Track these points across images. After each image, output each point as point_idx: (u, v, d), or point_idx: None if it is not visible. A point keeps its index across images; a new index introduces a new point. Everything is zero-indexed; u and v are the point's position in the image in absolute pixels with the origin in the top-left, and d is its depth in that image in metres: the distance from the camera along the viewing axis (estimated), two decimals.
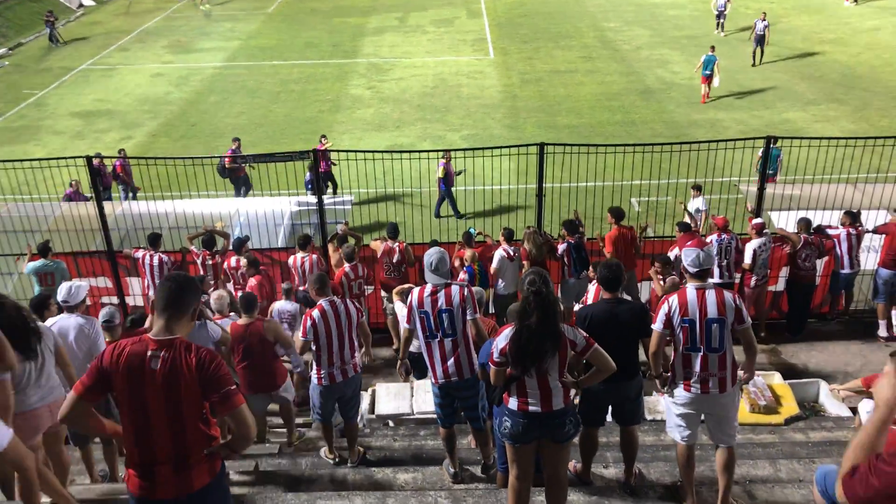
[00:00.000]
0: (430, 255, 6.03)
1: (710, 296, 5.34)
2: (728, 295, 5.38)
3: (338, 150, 11.04)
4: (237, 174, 16.70)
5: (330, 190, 16.52)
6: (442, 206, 16.39)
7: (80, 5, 39.61)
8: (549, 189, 14.53)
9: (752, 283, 10.77)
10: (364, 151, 11.13)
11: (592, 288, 8.47)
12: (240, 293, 8.65)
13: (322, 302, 6.82)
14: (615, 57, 27.89)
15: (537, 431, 4.83)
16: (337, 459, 7.25)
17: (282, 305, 9.91)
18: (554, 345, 4.68)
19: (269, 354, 7.67)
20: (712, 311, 5.32)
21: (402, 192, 15.12)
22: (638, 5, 35.32)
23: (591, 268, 9.94)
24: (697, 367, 5.38)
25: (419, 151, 11.54)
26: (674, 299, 5.42)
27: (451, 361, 6.09)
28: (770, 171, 18.34)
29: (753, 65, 26.00)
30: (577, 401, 5.57)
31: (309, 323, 6.69)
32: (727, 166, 12.08)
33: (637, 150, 11.40)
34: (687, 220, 11.85)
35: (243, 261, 10.55)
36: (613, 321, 5.66)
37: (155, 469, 3.98)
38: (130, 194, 16.90)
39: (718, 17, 30.07)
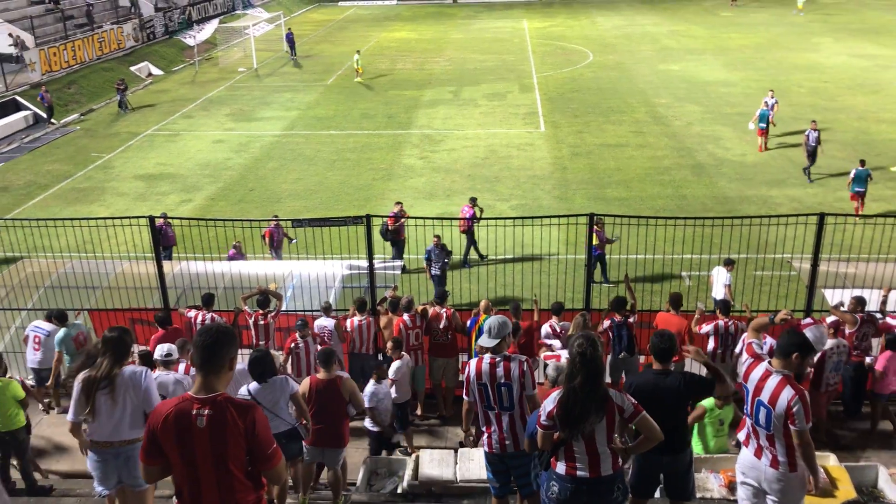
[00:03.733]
0: (491, 319, 6.07)
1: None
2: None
3: (387, 216, 11.29)
4: (399, 236, 16.86)
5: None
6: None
7: (150, 74, 41.48)
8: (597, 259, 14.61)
9: (823, 388, 10.21)
10: (411, 217, 11.36)
11: None
12: (319, 348, 9.24)
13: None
14: (666, 132, 28.07)
15: (585, 497, 4.80)
16: None
17: (321, 322, 10.87)
18: (599, 408, 4.68)
19: (341, 412, 7.84)
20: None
21: (455, 260, 15.31)
22: (689, 82, 35.64)
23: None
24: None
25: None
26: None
27: (507, 433, 6.09)
28: (860, 189, 19.57)
29: (811, 181, 22.78)
30: (628, 468, 5.54)
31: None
32: (779, 243, 11.98)
33: (688, 223, 11.39)
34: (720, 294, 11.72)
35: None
36: (658, 392, 5.63)
37: None
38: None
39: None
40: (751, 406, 5.30)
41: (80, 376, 5.97)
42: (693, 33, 49.21)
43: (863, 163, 19.79)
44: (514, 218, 15.46)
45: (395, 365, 10.24)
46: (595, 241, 15.59)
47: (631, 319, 10.82)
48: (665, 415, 5.48)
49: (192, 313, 11.37)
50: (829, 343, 10.19)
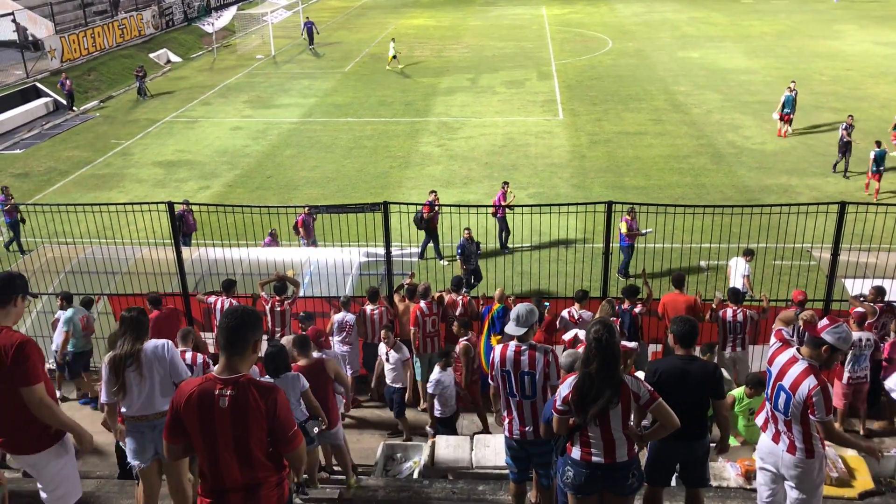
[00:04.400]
0: (519, 308, 6.02)
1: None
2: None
3: (405, 203, 11.31)
4: (432, 225, 16.96)
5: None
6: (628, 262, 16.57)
7: (168, 61, 41.65)
8: (616, 248, 14.57)
9: (845, 379, 10.23)
10: (428, 204, 11.36)
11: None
12: (293, 335, 9.21)
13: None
14: (685, 120, 27.85)
15: (600, 483, 4.81)
16: None
17: (340, 316, 11.22)
18: (614, 393, 4.68)
19: (328, 392, 7.89)
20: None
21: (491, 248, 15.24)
22: (709, 70, 35.32)
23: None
24: None
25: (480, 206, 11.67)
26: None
27: (528, 420, 6.10)
28: (881, 168, 19.90)
29: (846, 177, 21.74)
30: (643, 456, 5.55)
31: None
32: (799, 232, 11.88)
33: (707, 211, 11.32)
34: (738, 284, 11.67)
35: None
36: (683, 378, 5.62)
37: (226, 497, 4.22)
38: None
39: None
40: (771, 390, 5.31)
41: (106, 358, 6.07)
42: (713, 20, 48.71)
43: (879, 143, 20.23)
44: (532, 205, 15.41)
45: (393, 356, 10.40)
46: (624, 230, 15.50)
47: (637, 309, 10.78)
48: (690, 400, 5.47)
49: (212, 299, 11.47)
50: (855, 335, 10.10)
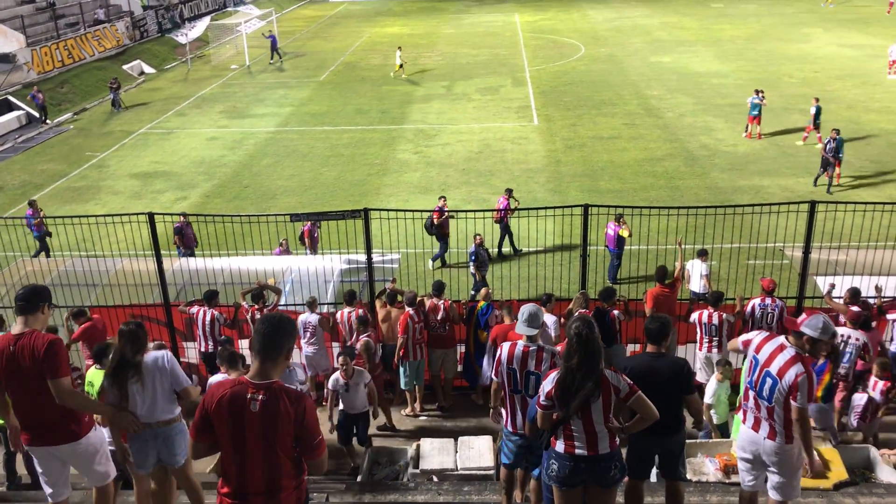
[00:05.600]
0: (526, 308, 6.19)
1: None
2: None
3: (385, 209, 11.42)
4: (443, 231, 17.03)
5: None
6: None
7: (142, 73, 41.47)
8: (594, 252, 14.76)
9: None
10: (408, 210, 11.50)
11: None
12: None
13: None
14: (658, 124, 28.23)
15: (583, 475, 4.97)
16: None
17: (305, 317, 11.16)
18: (595, 386, 4.85)
19: None
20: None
21: (448, 251, 15.42)
22: (681, 74, 35.80)
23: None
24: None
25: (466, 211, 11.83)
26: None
27: (530, 417, 6.16)
28: (840, 156, 20.57)
29: (829, 191, 20.97)
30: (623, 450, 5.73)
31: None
32: (772, 231, 12.15)
33: (681, 212, 11.54)
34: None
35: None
36: (652, 375, 5.82)
37: (248, 501, 4.34)
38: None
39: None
40: (757, 377, 5.55)
41: (107, 370, 6.28)
42: (684, 25, 49.37)
43: (837, 132, 21.10)
44: (511, 210, 15.62)
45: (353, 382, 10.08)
46: (625, 234, 15.66)
47: (615, 312, 10.93)
48: (660, 396, 5.66)
49: (194, 309, 11.50)
50: (840, 331, 10.31)
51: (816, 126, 24.54)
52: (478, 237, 15.37)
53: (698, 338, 11.02)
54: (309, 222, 16.33)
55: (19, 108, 32.51)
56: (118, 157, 27.53)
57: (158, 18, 47.52)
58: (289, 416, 4.23)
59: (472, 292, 14.97)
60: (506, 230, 17.74)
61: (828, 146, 20.93)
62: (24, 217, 17.35)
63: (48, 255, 17.55)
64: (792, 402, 5.45)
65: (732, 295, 11.76)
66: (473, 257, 15.44)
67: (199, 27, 46.71)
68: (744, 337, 5.94)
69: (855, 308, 10.47)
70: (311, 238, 16.55)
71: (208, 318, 11.38)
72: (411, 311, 10.96)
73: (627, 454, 6.01)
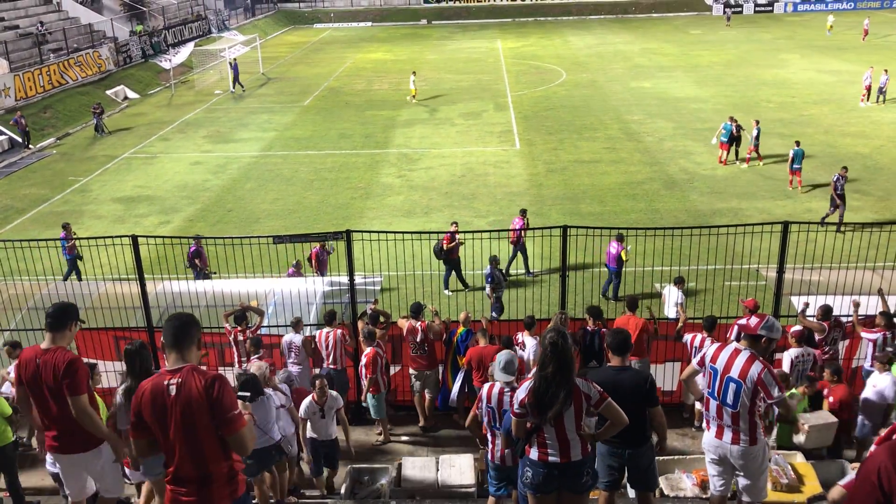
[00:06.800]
0: (501, 356, 6.62)
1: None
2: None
3: (367, 231, 11.56)
4: (452, 256, 17.14)
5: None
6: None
7: (126, 98, 41.56)
8: (574, 274, 14.95)
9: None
10: (390, 232, 11.65)
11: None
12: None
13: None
14: (639, 148, 28.62)
15: (557, 482, 5.11)
16: None
17: (289, 337, 11.27)
18: (568, 395, 5.01)
19: None
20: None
21: (429, 273, 15.55)
22: (661, 99, 36.33)
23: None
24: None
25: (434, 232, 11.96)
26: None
27: (507, 451, 6.65)
28: (797, 167, 22.43)
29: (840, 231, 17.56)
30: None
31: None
32: (747, 253, 12.38)
33: (658, 233, 11.76)
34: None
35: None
36: (616, 388, 5.99)
37: (183, 486, 4.54)
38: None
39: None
40: (719, 385, 5.75)
41: (120, 389, 6.81)
42: (664, 51, 50.14)
43: (798, 143, 23.40)
44: (490, 231, 15.76)
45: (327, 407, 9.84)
46: (623, 256, 15.89)
47: (605, 330, 11.08)
48: (624, 409, 5.84)
49: None
50: (795, 352, 10.59)
51: (724, 145, 26.02)
52: (496, 259, 15.57)
53: (690, 358, 11.09)
54: (318, 245, 16.38)
55: (2, 133, 32.48)
56: (101, 181, 27.56)
57: (142, 44, 47.71)
58: (201, 394, 4.44)
59: (493, 314, 15.06)
60: (521, 250, 17.88)
61: (837, 183, 20.13)
62: (12, 240, 17.32)
63: (79, 279, 17.48)
64: (767, 400, 5.68)
65: (702, 315, 11.94)
66: (490, 279, 15.57)
67: (183, 53, 46.96)
68: (696, 359, 6.21)
69: (796, 328, 10.73)
70: (318, 261, 16.63)
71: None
72: (377, 349, 11.02)
73: (598, 467, 6.18)
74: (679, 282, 13.86)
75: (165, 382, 4.49)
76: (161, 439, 4.55)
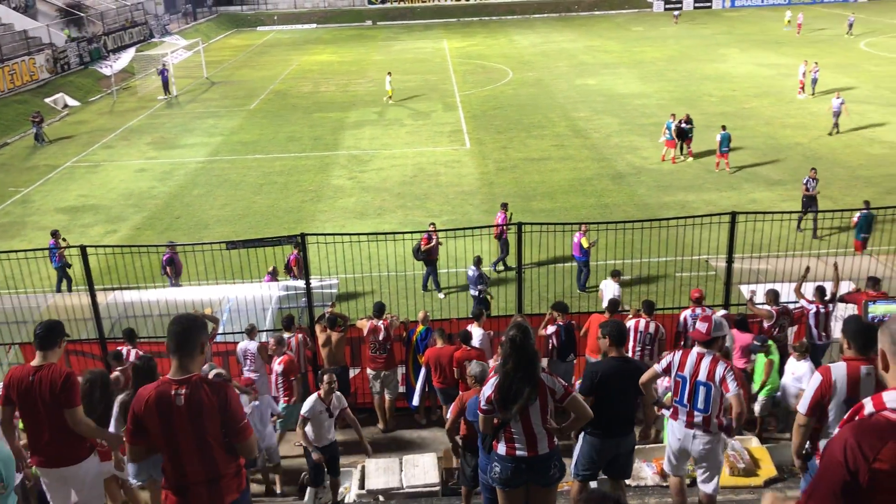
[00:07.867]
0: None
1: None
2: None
3: (323, 234, 11.50)
4: (431, 257, 16.96)
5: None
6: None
7: (66, 105, 40.55)
8: (529, 271, 15.10)
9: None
10: (346, 234, 11.61)
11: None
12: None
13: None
14: (586, 144, 28.97)
15: (525, 475, 5.17)
16: None
17: (244, 345, 11.06)
18: (532, 389, 5.07)
19: None
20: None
21: (386, 275, 15.51)
22: (606, 95, 36.82)
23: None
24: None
25: (402, 233, 11.98)
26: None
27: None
28: (725, 150, 23.47)
29: (816, 237, 18.50)
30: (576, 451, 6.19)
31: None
32: (696, 244, 12.65)
33: (609, 227, 11.92)
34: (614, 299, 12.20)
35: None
36: (622, 377, 6.25)
37: (190, 491, 4.60)
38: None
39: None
40: (689, 392, 5.97)
41: (119, 400, 7.26)
42: (607, 48, 50.82)
43: (724, 127, 24.76)
44: (446, 230, 15.87)
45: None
46: (584, 243, 16.05)
47: (572, 322, 11.24)
48: (628, 398, 6.09)
49: (124, 350, 10.88)
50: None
51: (670, 142, 26.47)
52: (479, 258, 15.47)
53: (630, 346, 11.25)
54: (295, 251, 16.05)
55: None
56: (43, 191, 26.85)
57: (80, 50, 46.61)
58: (212, 405, 4.51)
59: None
60: (505, 245, 17.91)
61: (808, 185, 19.88)
62: None
63: (69, 288, 16.95)
64: (726, 393, 5.90)
65: (662, 306, 12.17)
66: (480, 280, 15.50)
67: (123, 59, 45.97)
68: (661, 365, 6.31)
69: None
70: (298, 267, 16.36)
71: (133, 356, 10.89)
72: (291, 355, 11.06)
73: (583, 457, 6.34)
74: (615, 274, 14.00)
75: (172, 392, 4.51)
76: (166, 447, 4.60)
